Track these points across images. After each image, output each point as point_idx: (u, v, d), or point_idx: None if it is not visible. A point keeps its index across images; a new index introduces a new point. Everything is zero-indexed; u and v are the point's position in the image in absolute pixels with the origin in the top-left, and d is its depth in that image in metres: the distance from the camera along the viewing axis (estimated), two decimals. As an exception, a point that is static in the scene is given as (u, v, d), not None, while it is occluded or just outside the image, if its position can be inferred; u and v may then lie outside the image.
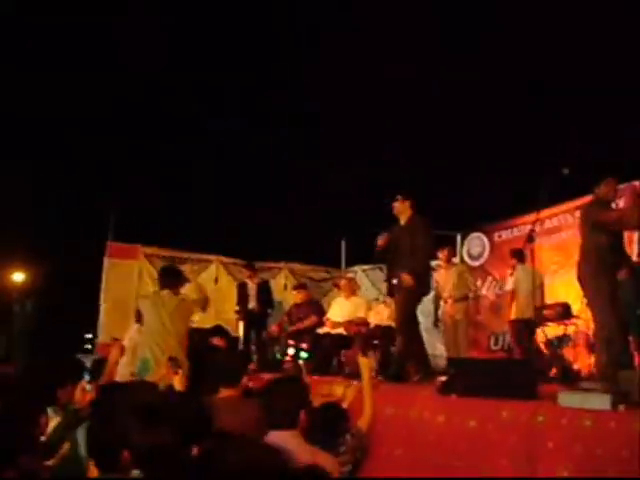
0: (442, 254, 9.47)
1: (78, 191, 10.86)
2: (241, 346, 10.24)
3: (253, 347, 10.38)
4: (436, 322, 10.09)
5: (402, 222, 6.88)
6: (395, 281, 6.67)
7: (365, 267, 12.82)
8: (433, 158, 10.84)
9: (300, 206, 10.82)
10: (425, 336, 10.15)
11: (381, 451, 5.17)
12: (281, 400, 3.77)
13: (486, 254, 11.45)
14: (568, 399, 4.30)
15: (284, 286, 12.26)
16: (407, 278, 6.33)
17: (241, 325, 10.28)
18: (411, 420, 5.06)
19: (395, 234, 6.82)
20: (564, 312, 8.21)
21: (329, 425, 4.80)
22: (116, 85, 10.90)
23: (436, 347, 10.21)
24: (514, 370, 4.90)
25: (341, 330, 9.09)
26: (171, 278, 6.50)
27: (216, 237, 11.24)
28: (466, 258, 11.66)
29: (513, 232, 11.02)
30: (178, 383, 5.21)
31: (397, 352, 6.91)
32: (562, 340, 8.57)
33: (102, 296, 11.22)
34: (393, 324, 9.32)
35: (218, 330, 8.00)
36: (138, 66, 11.05)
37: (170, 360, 5.56)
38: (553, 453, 4.15)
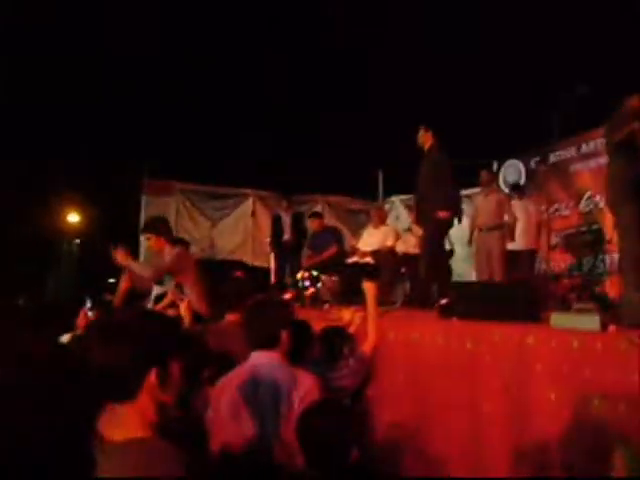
0: (482, 179, 9.18)
1: (113, 131, 10.76)
2: (273, 278, 10.28)
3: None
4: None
5: (425, 152, 6.80)
6: (421, 209, 6.60)
7: (403, 197, 12.65)
8: (468, 85, 10.41)
9: (337, 137, 10.58)
10: (462, 266, 10.08)
11: (383, 375, 5.15)
12: (260, 321, 3.76)
13: (522, 181, 11.15)
14: (559, 320, 4.16)
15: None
16: (443, 214, 6.28)
17: (272, 257, 10.27)
18: (412, 344, 4.98)
19: (422, 164, 6.77)
20: (594, 240, 7.99)
21: (329, 346, 4.80)
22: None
23: (472, 276, 10.05)
24: (515, 293, 4.74)
25: (369, 259, 9.00)
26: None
27: (252, 171, 11.15)
28: (502, 186, 11.38)
29: (550, 158, 10.66)
30: (184, 310, 5.26)
31: (420, 278, 6.84)
32: (593, 268, 8.37)
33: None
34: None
35: (238, 264, 8.04)
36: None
37: (175, 287, 5.62)
38: (541, 375, 4.04)
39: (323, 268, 8.96)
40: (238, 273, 7.71)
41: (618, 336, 3.72)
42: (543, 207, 10.61)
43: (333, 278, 8.76)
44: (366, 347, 5.04)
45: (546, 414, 3.99)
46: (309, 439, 3.07)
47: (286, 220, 10.58)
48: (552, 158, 10.56)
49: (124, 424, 2.01)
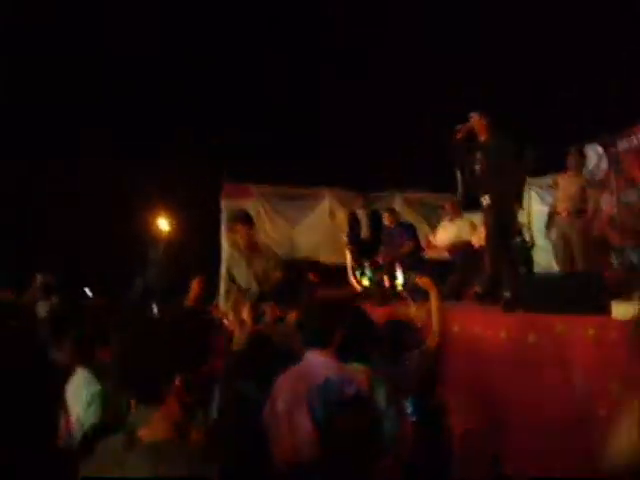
0: (570, 162, 8.75)
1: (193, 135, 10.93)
2: (351, 276, 10.23)
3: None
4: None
5: (482, 140, 6.53)
6: (484, 201, 6.37)
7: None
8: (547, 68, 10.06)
9: (411, 132, 10.42)
10: (546, 257, 9.67)
11: (447, 367, 5.05)
12: (313, 321, 3.76)
13: (603, 166, 10.65)
14: (621, 310, 3.94)
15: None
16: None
17: (348, 254, 10.21)
18: (474, 338, 4.86)
19: (473, 153, 6.50)
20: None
21: (393, 339, 4.76)
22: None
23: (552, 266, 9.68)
24: (582, 284, 4.52)
25: (445, 254, 8.85)
26: None
27: (327, 169, 11.09)
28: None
29: (631, 142, 10.15)
30: (247, 313, 5.30)
31: (486, 273, 6.64)
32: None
33: (223, 237, 11.46)
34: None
35: (313, 264, 8.05)
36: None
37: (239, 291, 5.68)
38: (602, 366, 3.86)
39: (400, 264, 8.89)
40: (311, 275, 7.65)
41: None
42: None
43: (411, 274, 8.68)
44: (430, 341, 4.97)
45: (607, 407, 3.80)
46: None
47: (363, 217, 10.49)
48: (635, 140, 10.05)
49: (152, 425, 2.02)
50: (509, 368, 4.53)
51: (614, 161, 10.35)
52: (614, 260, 10.18)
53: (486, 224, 6.48)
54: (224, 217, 11.55)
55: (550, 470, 4.01)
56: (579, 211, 8.23)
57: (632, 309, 3.78)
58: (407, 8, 10.70)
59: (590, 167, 10.61)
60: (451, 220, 9.29)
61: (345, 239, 10.26)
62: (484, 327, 4.81)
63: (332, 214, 11.75)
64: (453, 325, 5.10)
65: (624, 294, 5.53)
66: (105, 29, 9.75)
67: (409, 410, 4.50)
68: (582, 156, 8.62)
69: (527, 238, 10.25)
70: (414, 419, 4.42)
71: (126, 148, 10.79)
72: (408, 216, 11.79)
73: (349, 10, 10.77)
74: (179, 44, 10.74)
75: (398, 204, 12.15)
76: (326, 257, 11.66)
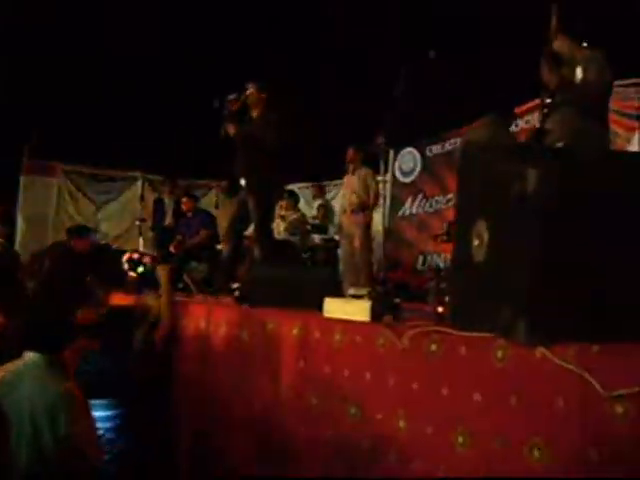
0: (348, 158, 8.31)
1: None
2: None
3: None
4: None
5: (253, 115, 5.89)
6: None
7: (300, 185, 11.81)
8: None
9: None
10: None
11: (179, 364, 4.35)
12: None
13: (418, 170, 10.34)
14: (332, 308, 3.30)
15: (215, 204, 11.21)
16: None
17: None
18: (201, 333, 4.14)
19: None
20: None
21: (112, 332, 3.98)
22: None
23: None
24: (306, 280, 3.90)
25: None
26: None
27: (140, 153, 10.13)
28: (398, 174, 10.58)
29: (445, 147, 9.88)
30: None
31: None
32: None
33: (19, 214, 10.31)
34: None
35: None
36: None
37: None
38: (300, 375, 3.22)
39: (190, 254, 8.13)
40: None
41: (379, 329, 2.88)
42: (440, 197, 9.92)
43: (195, 265, 7.93)
44: (157, 334, 4.28)
45: (303, 417, 3.17)
46: None
47: (168, 204, 9.61)
48: (448, 146, 9.77)
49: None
50: (228, 369, 3.84)
51: (427, 165, 10.09)
52: (419, 264, 9.92)
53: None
54: (22, 196, 10.40)
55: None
56: (361, 206, 7.81)
57: (344, 305, 3.17)
58: None
59: (404, 169, 10.30)
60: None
61: (137, 224, 9.32)
62: (210, 322, 4.09)
63: (143, 199, 10.77)
64: (185, 320, 4.36)
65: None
66: None
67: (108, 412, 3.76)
68: (360, 151, 8.17)
69: (335, 236, 9.76)
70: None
71: None
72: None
73: None
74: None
75: (215, 194, 11.37)
76: (134, 245, 10.69)
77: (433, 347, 2.55)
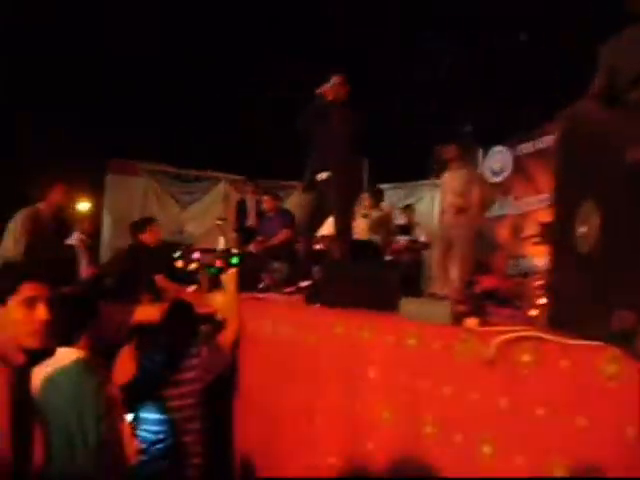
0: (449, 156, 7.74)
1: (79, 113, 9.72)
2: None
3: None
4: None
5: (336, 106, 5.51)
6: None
7: (386, 186, 11.33)
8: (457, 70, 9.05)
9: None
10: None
11: (241, 368, 4.01)
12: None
13: (508, 169, 9.72)
14: (409, 309, 2.86)
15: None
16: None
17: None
18: (267, 336, 3.76)
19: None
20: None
21: (171, 331, 3.75)
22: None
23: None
24: (383, 280, 3.46)
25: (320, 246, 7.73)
26: None
27: (224, 154, 9.95)
28: (487, 174, 9.96)
29: (536, 145, 9.22)
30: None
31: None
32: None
33: (105, 213, 10.29)
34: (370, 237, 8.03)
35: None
36: None
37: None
38: (375, 384, 2.77)
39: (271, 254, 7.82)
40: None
41: (461, 334, 2.42)
42: (532, 198, 9.30)
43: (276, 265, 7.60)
44: (223, 337, 3.96)
45: (378, 436, 2.73)
46: None
47: (250, 205, 9.34)
48: (539, 144, 9.12)
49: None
50: (291, 375, 3.44)
51: (518, 165, 9.48)
52: (511, 267, 9.31)
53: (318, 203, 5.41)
54: (108, 194, 10.38)
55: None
56: (462, 207, 7.25)
57: (421, 306, 2.73)
58: None
59: (494, 168, 9.72)
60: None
61: (218, 223, 9.08)
62: (276, 324, 3.71)
63: (226, 199, 10.56)
64: (251, 321, 4.00)
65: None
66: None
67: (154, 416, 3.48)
68: (462, 149, 7.55)
69: (422, 238, 9.29)
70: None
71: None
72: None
73: None
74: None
75: (297, 194, 11.02)
76: (217, 244, 10.50)
77: (525, 357, 2.07)
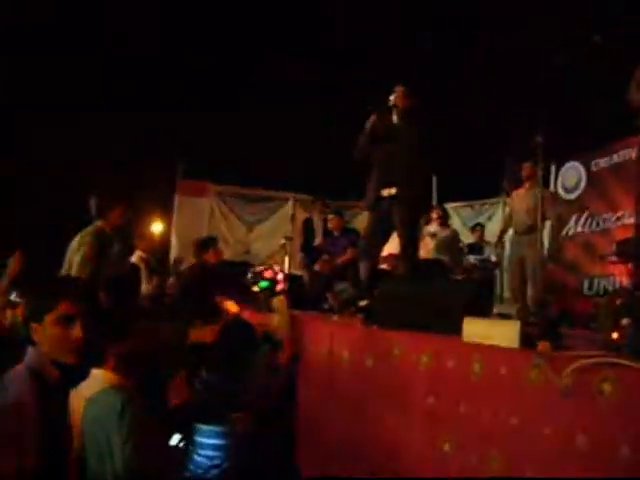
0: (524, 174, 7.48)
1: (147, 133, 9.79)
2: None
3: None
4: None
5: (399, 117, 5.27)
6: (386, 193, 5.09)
7: (456, 204, 11.01)
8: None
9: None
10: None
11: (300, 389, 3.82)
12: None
13: (582, 185, 9.23)
14: (473, 330, 2.58)
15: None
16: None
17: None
18: (325, 358, 3.53)
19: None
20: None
21: (230, 351, 3.60)
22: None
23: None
24: (446, 299, 3.19)
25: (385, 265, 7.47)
26: None
27: (291, 174, 9.85)
28: (560, 191, 9.50)
29: (612, 159, 8.73)
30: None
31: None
32: None
33: (173, 234, 10.30)
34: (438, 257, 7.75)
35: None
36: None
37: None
38: (433, 410, 2.51)
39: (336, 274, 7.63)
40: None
41: (530, 358, 2.13)
42: (608, 214, 8.80)
43: (341, 285, 7.39)
44: (282, 359, 3.77)
45: (438, 470, 2.45)
46: None
47: (317, 224, 9.16)
48: (616, 158, 8.62)
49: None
50: (351, 398, 3.20)
51: (593, 180, 9.01)
52: (585, 288, 8.85)
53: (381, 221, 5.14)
54: (176, 215, 10.39)
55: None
56: (533, 227, 6.93)
57: (487, 327, 2.45)
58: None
59: (567, 185, 9.27)
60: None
61: (283, 243, 8.92)
62: (333, 345, 3.47)
63: (294, 219, 10.41)
64: (310, 342, 3.79)
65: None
66: None
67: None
68: (536, 168, 7.24)
69: (493, 257, 8.93)
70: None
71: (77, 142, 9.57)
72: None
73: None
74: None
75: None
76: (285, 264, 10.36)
77: (606, 387, 1.77)
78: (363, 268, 5.30)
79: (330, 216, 8.20)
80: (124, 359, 2.64)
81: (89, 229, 5.63)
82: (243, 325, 3.95)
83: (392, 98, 5.21)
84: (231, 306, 5.64)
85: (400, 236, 5.17)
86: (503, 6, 8.44)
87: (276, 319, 4.30)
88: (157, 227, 10.32)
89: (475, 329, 2.61)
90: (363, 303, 3.82)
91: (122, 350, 2.64)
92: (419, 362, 2.64)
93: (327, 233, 8.84)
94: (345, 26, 9.73)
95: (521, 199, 7.51)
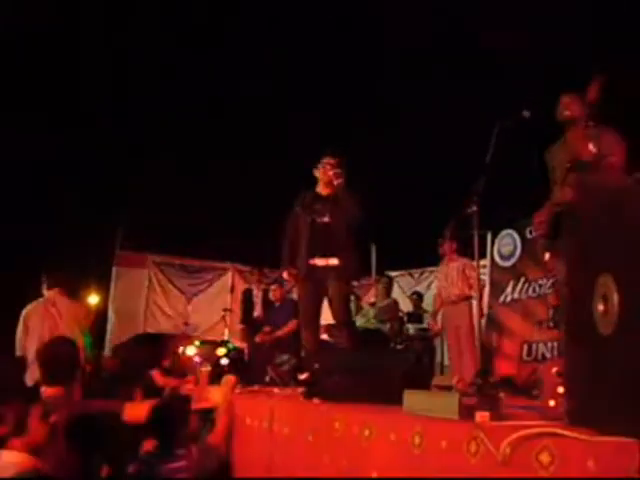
0: (444, 249, 7.68)
1: (86, 204, 9.68)
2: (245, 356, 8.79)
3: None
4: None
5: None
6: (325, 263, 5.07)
7: (395, 273, 11.10)
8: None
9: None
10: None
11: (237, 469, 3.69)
12: None
13: (518, 253, 9.45)
14: (413, 402, 2.57)
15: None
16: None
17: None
18: (265, 437, 3.45)
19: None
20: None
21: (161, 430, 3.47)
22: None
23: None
24: (382, 368, 3.19)
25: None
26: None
27: (230, 244, 9.81)
28: (497, 259, 9.72)
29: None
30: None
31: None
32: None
33: (110, 306, 10.07)
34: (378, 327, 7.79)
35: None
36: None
37: None
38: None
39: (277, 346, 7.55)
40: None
41: (473, 429, 2.13)
42: (544, 281, 9.00)
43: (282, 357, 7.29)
44: (212, 438, 3.65)
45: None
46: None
47: (257, 294, 9.09)
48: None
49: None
50: (287, 473, 3.12)
51: (528, 247, 9.25)
52: (524, 354, 8.97)
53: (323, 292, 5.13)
54: (113, 285, 10.19)
55: None
56: (463, 297, 7.11)
57: (426, 399, 2.45)
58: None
59: (504, 253, 9.50)
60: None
61: (223, 315, 8.83)
62: (273, 422, 3.40)
63: (233, 290, 10.33)
64: (247, 420, 3.71)
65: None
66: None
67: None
68: (454, 241, 7.53)
69: (427, 325, 9.02)
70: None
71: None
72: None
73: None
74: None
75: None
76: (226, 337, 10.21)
77: (544, 458, 1.77)
78: (306, 340, 5.23)
79: (272, 287, 8.17)
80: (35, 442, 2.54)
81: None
82: (178, 400, 3.87)
83: (319, 169, 5.25)
84: (169, 380, 5.52)
85: (338, 307, 5.15)
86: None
87: (216, 393, 4.21)
88: (93, 299, 10.11)
89: (415, 401, 2.60)
90: (303, 376, 3.77)
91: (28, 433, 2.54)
92: (361, 436, 2.60)
93: (267, 304, 8.79)
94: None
95: (444, 273, 7.70)
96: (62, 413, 3.20)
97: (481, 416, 2.29)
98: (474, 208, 4.69)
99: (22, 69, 8.81)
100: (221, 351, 6.15)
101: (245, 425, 3.75)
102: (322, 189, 5.16)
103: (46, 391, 3.74)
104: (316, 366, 3.67)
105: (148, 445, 3.38)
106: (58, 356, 3.89)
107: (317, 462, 2.91)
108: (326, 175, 5.07)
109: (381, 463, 2.47)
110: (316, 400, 3.36)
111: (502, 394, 2.75)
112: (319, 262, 4.98)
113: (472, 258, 7.32)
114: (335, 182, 5.02)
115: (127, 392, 4.08)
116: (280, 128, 10.31)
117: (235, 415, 3.86)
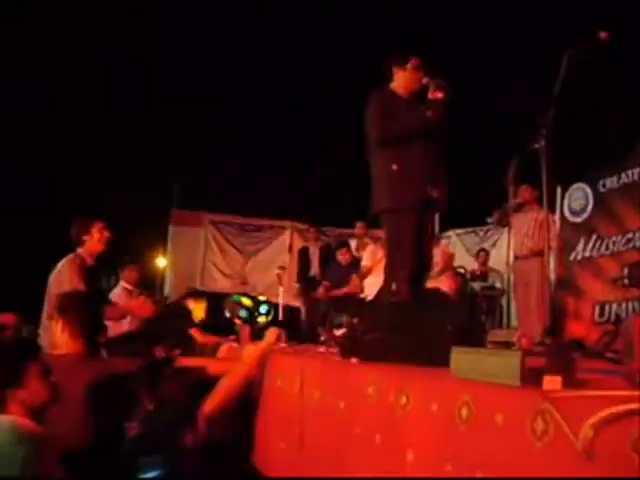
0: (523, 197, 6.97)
1: (143, 160, 9.36)
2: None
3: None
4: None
5: None
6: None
7: (459, 231, 10.43)
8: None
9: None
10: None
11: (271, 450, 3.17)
12: None
13: (590, 208, 8.62)
14: (463, 364, 1.96)
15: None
16: None
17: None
18: (294, 396, 2.92)
19: None
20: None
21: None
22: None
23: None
24: (437, 325, 2.59)
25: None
26: None
27: (288, 202, 9.34)
28: (567, 214, 8.90)
29: (621, 179, 8.13)
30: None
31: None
32: None
33: (168, 264, 9.76)
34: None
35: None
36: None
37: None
38: (412, 469, 1.87)
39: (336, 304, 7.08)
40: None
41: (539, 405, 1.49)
42: (618, 237, 8.20)
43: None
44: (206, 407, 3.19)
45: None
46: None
47: (314, 252, 8.57)
48: (624, 177, 8.04)
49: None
50: (324, 451, 2.57)
51: (601, 202, 8.43)
52: (596, 314, 8.27)
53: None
54: (170, 245, 9.86)
55: None
56: (534, 252, 6.35)
57: (481, 360, 1.84)
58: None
59: (574, 208, 8.70)
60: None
61: (277, 272, 8.35)
62: (304, 385, 2.85)
63: (291, 249, 9.82)
64: (278, 379, 3.17)
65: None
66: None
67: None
68: (536, 190, 6.74)
69: (497, 284, 8.36)
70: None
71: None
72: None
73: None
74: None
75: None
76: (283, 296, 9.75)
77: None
78: (402, 284, 4.17)
79: (343, 249, 7.66)
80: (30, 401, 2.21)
81: (69, 257, 4.79)
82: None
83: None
84: (209, 338, 5.11)
85: (428, 250, 4.25)
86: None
87: (250, 350, 3.70)
88: (161, 262, 9.90)
89: (466, 362, 1.99)
90: (340, 332, 3.18)
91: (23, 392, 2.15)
92: (397, 406, 2.02)
93: (326, 261, 8.32)
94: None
95: (520, 223, 7.00)
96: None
97: (551, 382, 1.66)
98: (542, 143, 3.89)
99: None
100: (246, 301, 5.62)
101: (275, 387, 3.22)
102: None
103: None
104: (355, 320, 3.07)
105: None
106: None
107: (347, 435, 2.36)
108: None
109: (418, 440, 1.88)
110: (354, 359, 2.78)
111: (575, 356, 2.12)
112: (435, 193, 3.98)
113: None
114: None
115: (147, 348, 3.64)
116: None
117: (266, 376, 3.34)
